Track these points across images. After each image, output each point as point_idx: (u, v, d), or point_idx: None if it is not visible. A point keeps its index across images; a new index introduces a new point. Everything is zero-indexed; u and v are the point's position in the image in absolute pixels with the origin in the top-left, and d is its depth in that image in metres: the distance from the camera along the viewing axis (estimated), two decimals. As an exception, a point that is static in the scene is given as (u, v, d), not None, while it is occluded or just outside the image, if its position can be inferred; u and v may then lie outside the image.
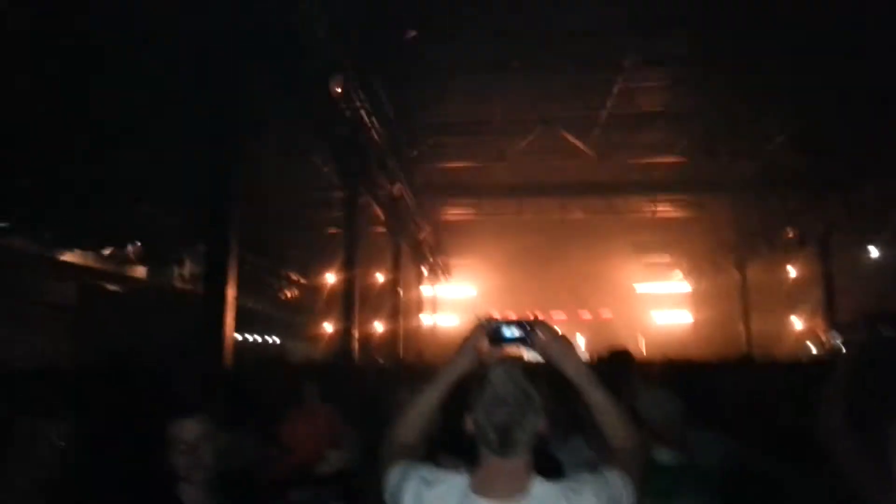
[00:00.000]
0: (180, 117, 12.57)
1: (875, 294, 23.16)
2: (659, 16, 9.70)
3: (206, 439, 2.42)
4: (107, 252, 13.14)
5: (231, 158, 7.41)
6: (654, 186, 19.57)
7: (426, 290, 23.31)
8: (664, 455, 2.62)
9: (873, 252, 23.43)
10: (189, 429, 2.41)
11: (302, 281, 26.23)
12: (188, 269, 16.99)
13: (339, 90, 9.75)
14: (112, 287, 15.05)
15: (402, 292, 18.06)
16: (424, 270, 21.78)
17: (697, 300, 28.84)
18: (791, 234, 17.93)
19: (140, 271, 14.88)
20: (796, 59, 11.95)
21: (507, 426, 1.77)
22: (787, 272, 21.64)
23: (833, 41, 10.91)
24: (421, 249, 19.79)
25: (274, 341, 23.42)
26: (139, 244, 14.05)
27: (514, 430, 1.77)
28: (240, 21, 7.11)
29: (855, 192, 14.45)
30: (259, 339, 22.36)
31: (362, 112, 10.77)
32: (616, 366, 3.97)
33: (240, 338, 18.68)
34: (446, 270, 25.32)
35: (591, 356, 4.46)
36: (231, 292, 7.20)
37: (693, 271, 27.30)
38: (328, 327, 21.22)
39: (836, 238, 16.51)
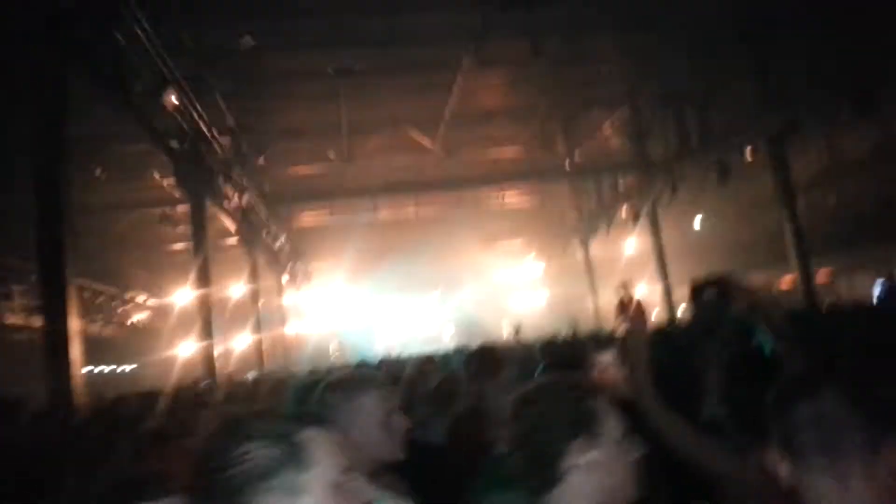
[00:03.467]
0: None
1: (700, 261, 25.75)
2: (493, 22, 10.20)
3: None
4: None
5: (55, 179, 6.88)
6: (500, 178, 20.46)
7: (288, 298, 22.83)
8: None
9: (696, 224, 26.09)
10: None
11: (150, 302, 24.78)
12: (18, 302, 15.59)
13: (175, 102, 9.34)
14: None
15: (262, 303, 17.58)
16: (284, 279, 21.32)
17: (550, 280, 30.54)
18: (625, 212, 19.49)
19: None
20: (621, 54, 13.14)
21: None
22: (624, 247, 23.56)
23: (652, 41, 12.08)
24: (278, 258, 19.35)
25: (124, 370, 22.00)
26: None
27: None
28: (57, 40, 6.66)
29: (675, 170, 15.97)
30: (110, 369, 20.91)
31: (201, 123, 10.37)
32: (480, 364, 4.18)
33: (86, 370, 17.40)
34: (307, 276, 24.93)
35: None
36: (74, 323, 6.72)
37: (543, 253, 28.86)
38: (185, 348, 20.24)
39: (664, 213, 18.16)
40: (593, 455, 1.55)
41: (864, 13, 9.91)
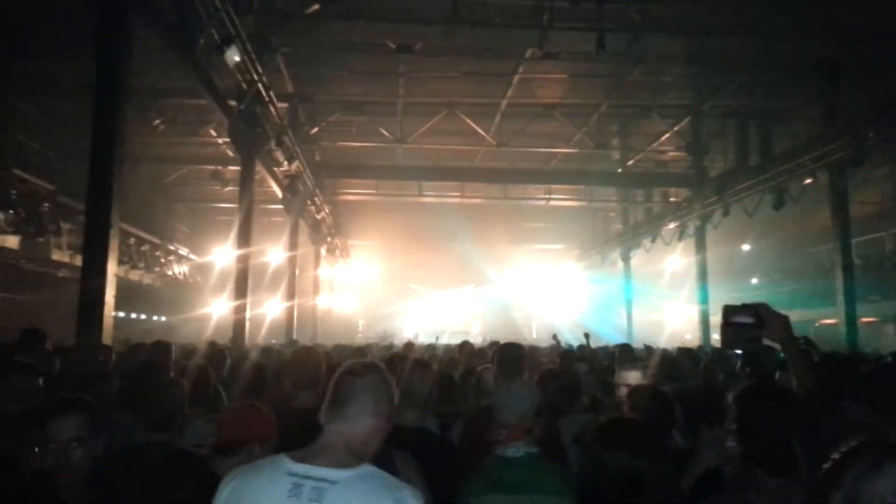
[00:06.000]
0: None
1: (743, 288, 25.12)
2: (561, 13, 10.01)
3: (80, 438, 2.37)
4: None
5: (112, 123, 6.98)
6: (549, 176, 20.21)
7: (324, 270, 23.03)
8: (512, 450, 2.67)
9: (745, 247, 25.43)
10: (60, 428, 2.35)
11: (192, 257, 25.27)
12: (66, 239, 16.01)
13: (237, 59, 9.41)
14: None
15: (298, 272, 17.75)
16: (322, 251, 21.50)
17: (586, 288, 30.17)
18: (671, 227, 19.06)
19: (12, 241, 13.83)
20: (688, 62, 12.81)
21: None
22: (665, 263, 23.10)
23: (716, 51, 11.73)
24: (319, 229, 19.50)
25: (160, 320, 22.50)
26: (10, 212, 13.04)
27: None
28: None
29: (730, 189, 15.53)
30: (143, 318, 21.42)
31: (259, 85, 10.43)
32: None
33: (122, 315, 17.84)
34: (345, 251, 25.11)
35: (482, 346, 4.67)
36: (112, 267, 6.83)
37: (583, 260, 28.50)
38: (220, 306, 20.59)
39: (712, 233, 17.67)
40: None
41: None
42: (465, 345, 9.12)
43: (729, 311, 2.43)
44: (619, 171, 19.82)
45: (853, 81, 12.32)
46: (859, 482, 1.29)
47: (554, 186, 21.22)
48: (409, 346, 10.37)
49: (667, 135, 16.99)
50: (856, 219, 14.48)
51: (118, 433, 3.04)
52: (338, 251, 23.54)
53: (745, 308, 2.42)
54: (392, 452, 2.39)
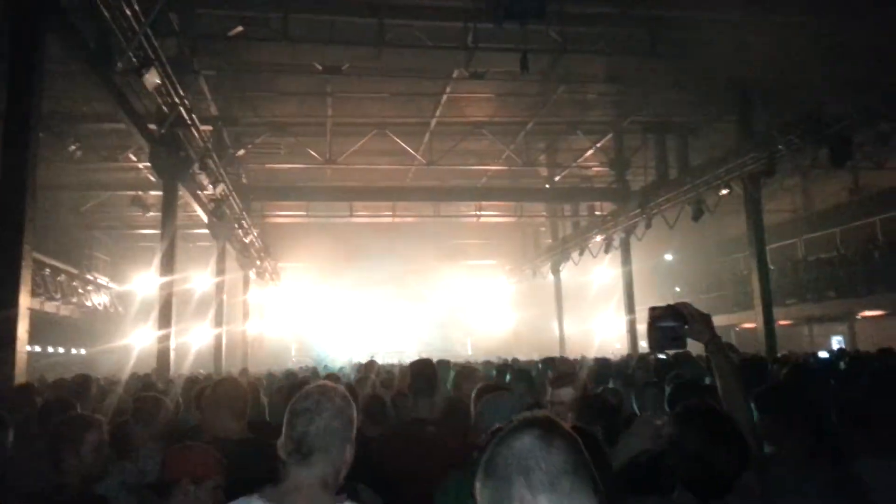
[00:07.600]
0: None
1: (669, 294, 25.98)
2: (486, 34, 10.21)
3: None
4: None
5: (24, 150, 6.64)
6: (479, 193, 20.47)
7: (254, 295, 22.48)
8: None
9: (668, 257, 26.40)
10: None
11: (112, 286, 24.24)
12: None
13: (157, 83, 9.12)
14: None
15: (226, 298, 17.25)
16: (252, 275, 20.99)
17: (518, 302, 30.59)
18: (598, 240, 19.58)
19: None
20: (609, 79, 13.26)
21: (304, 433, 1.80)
22: (593, 275, 23.69)
23: (641, 69, 12.20)
24: (247, 253, 19.04)
25: (79, 353, 21.43)
26: None
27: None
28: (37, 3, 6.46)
29: (652, 202, 16.10)
30: (62, 351, 20.34)
31: (181, 108, 10.13)
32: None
33: (38, 350, 16.88)
34: (275, 274, 24.59)
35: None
36: (25, 299, 6.46)
37: (514, 273, 28.89)
38: (143, 336, 19.76)
39: (636, 244, 18.25)
40: None
41: (846, 63, 10.13)
42: (371, 365, 9.28)
43: (654, 312, 2.50)
44: (547, 186, 20.30)
45: (764, 98, 13.04)
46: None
47: (484, 203, 21.48)
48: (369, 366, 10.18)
49: (591, 151, 17.53)
50: (769, 227, 15.29)
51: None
52: (268, 275, 23.03)
53: (669, 308, 2.49)
54: (357, 487, 2.34)
